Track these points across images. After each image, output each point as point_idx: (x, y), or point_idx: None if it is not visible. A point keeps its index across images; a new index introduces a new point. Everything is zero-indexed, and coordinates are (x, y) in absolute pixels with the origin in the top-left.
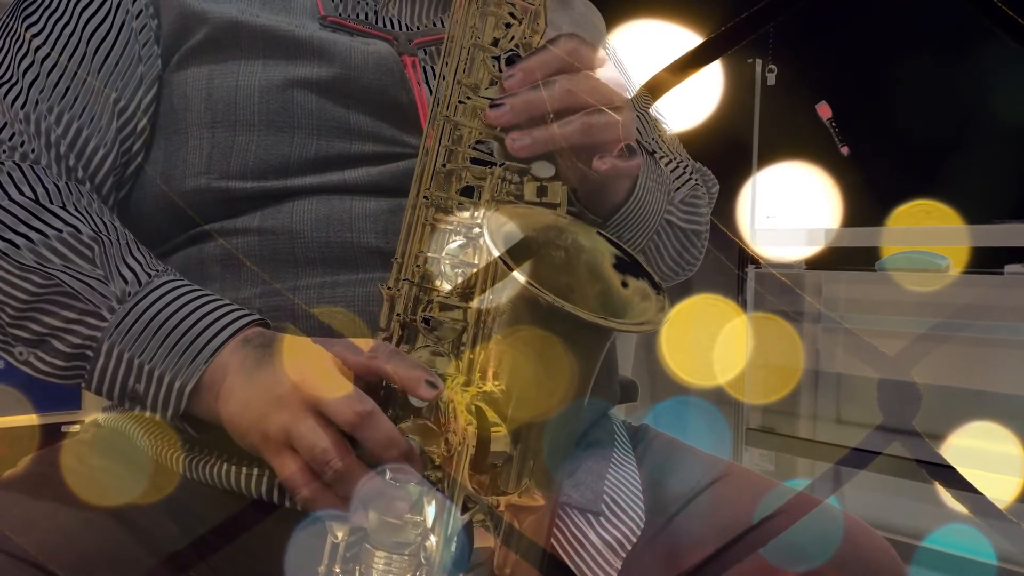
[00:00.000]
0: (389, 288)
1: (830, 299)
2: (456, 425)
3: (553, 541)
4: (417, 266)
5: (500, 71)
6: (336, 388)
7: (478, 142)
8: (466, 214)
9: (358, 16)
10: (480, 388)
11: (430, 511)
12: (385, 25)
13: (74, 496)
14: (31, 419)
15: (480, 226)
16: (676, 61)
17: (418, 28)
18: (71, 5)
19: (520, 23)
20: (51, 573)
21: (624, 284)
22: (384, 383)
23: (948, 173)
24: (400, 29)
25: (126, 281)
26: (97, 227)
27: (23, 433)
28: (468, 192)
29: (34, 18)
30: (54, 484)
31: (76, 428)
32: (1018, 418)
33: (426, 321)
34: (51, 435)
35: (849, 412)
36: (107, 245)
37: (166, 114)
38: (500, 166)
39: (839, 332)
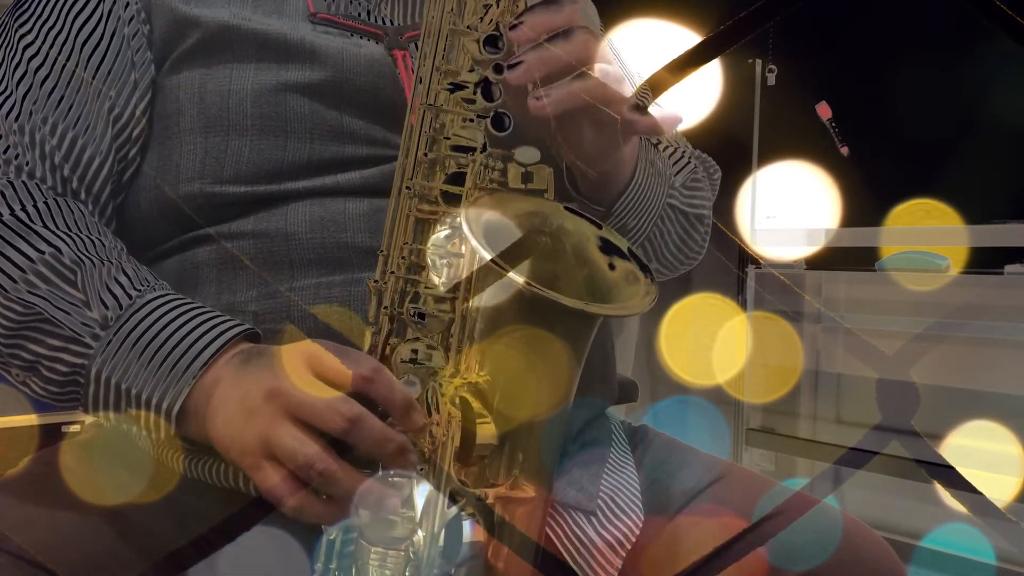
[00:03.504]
0: (376, 281)
1: (830, 299)
2: (440, 417)
3: (554, 539)
4: (403, 258)
5: (480, 53)
6: (320, 397)
7: (462, 127)
8: (450, 204)
9: (350, 13)
10: (466, 379)
11: (419, 505)
12: (377, 22)
13: (74, 496)
14: (31, 419)
15: (462, 215)
16: (675, 60)
17: (409, 24)
18: (63, 13)
19: (498, 6)
20: (51, 572)
21: (611, 266)
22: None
23: (948, 173)
24: (391, 25)
25: (107, 306)
26: (84, 246)
27: (23, 433)
28: (454, 180)
29: (27, 27)
30: (54, 484)
31: (76, 428)
32: (1017, 418)
33: (414, 308)
34: (51, 435)
35: (849, 412)
36: (89, 268)
37: (159, 119)
38: (482, 152)
39: (839, 332)
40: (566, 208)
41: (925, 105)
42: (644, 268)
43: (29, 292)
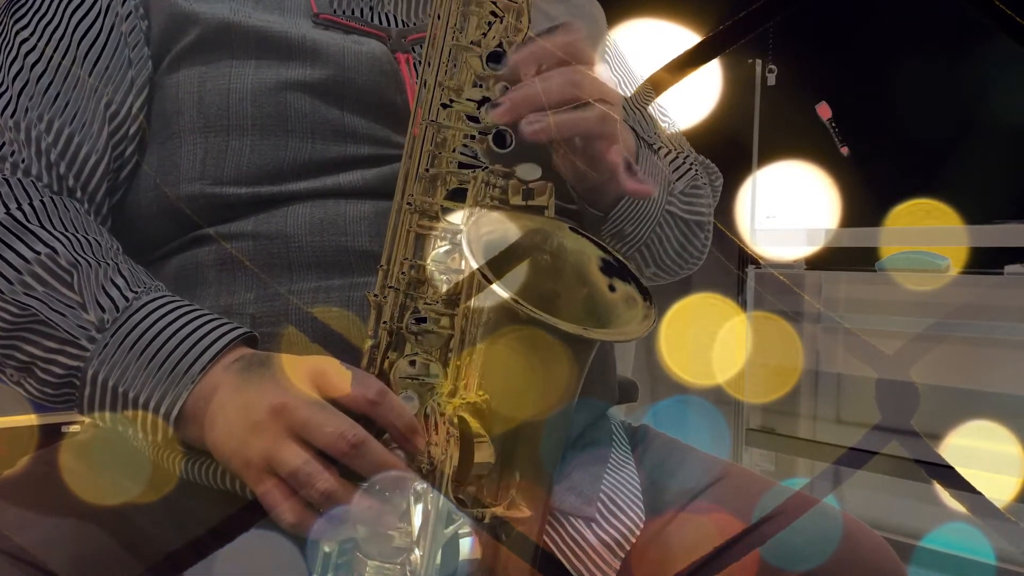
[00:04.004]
0: (375, 295)
1: (830, 299)
2: (439, 437)
3: (550, 542)
4: (403, 273)
5: (483, 69)
6: (326, 418)
7: (464, 144)
8: (451, 219)
9: (352, 12)
10: (464, 398)
11: (416, 519)
12: (380, 21)
13: (72, 496)
14: (30, 419)
15: (463, 232)
16: (675, 60)
17: (413, 24)
18: (60, 8)
19: (502, 21)
20: (49, 572)
21: (611, 288)
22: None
23: (948, 173)
24: (394, 25)
25: (103, 309)
26: (81, 247)
27: (22, 433)
28: (455, 196)
29: (24, 22)
30: (53, 484)
31: (76, 428)
32: (1017, 418)
33: (413, 323)
34: (50, 435)
35: (849, 412)
36: (86, 269)
37: (158, 118)
38: (484, 170)
39: (839, 332)
40: (569, 227)
41: (925, 105)
42: (643, 291)
43: (25, 293)
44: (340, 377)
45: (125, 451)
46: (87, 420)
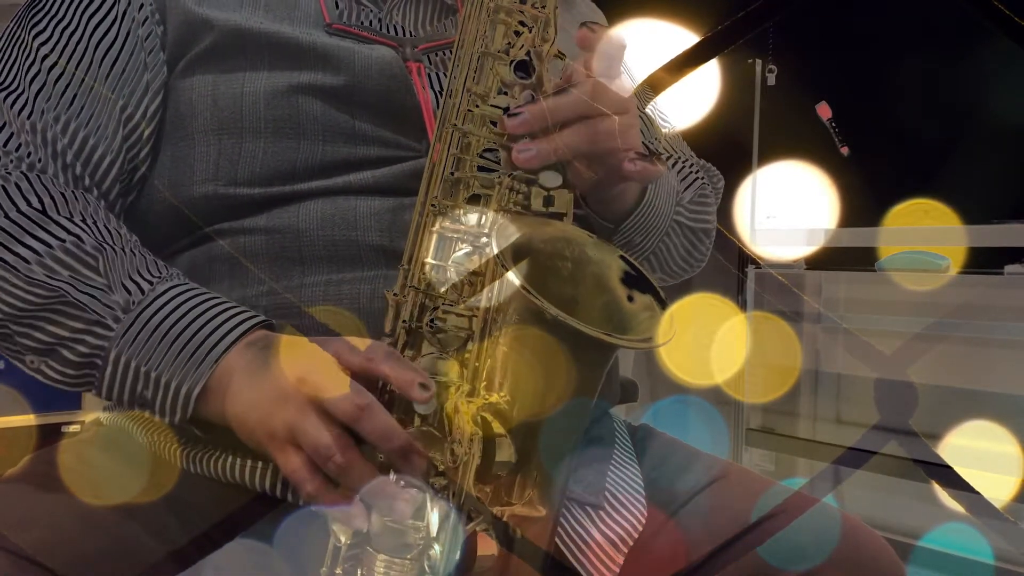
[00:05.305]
0: (395, 294)
1: (830, 299)
2: (462, 434)
3: (555, 539)
4: (423, 274)
5: (514, 75)
6: (335, 384)
7: (487, 150)
8: (473, 223)
9: (362, 23)
10: (486, 399)
11: (434, 519)
12: (389, 32)
13: (72, 496)
14: (29, 419)
15: (487, 235)
16: (673, 59)
17: (422, 35)
18: (78, 13)
19: (530, 31)
20: (50, 571)
21: (630, 299)
22: (383, 386)
23: (948, 173)
24: (404, 35)
25: (129, 292)
26: (102, 236)
27: (22, 433)
28: (476, 200)
29: (41, 26)
30: (53, 482)
31: (75, 428)
32: (1016, 418)
33: (432, 323)
34: (50, 435)
35: (849, 412)
36: (110, 255)
37: (172, 121)
38: (509, 176)
39: (839, 332)
40: (591, 236)
41: (925, 105)
42: (662, 303)
43: (51, 277)
44: (349, 351)
45: (125, 451)
46: (88, 419)
